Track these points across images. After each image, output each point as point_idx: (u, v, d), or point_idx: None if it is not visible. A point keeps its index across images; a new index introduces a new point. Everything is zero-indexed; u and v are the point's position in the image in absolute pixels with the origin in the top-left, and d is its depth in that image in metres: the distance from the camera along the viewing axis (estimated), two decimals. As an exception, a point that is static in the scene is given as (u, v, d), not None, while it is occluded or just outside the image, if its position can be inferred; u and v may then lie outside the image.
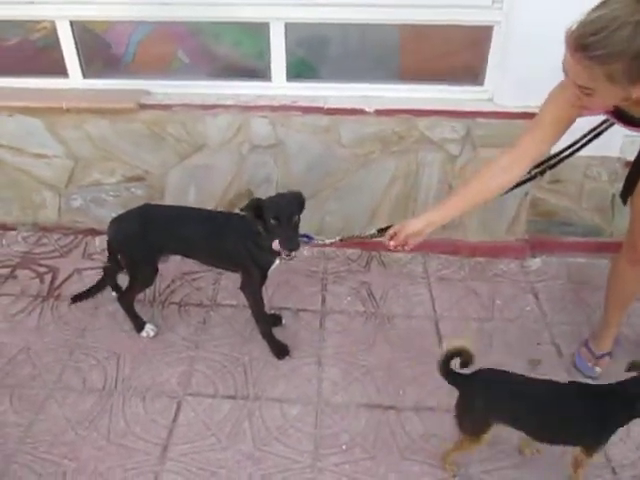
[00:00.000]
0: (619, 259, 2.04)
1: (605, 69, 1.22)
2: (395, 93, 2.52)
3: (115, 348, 2.23)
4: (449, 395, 2.04)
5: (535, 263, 2.74)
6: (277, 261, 2.02)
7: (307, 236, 1.96)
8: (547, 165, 1.88)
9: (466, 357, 1.58)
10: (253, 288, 2.10)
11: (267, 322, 2.21)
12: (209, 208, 2.26)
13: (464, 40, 2.51)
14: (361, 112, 2.44)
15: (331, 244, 2.02)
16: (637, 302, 2.45)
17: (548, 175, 2.05)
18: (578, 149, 1.87)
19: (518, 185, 1.73)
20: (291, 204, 1.87)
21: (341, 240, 2.00)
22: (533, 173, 1.83)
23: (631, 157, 2.49)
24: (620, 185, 2.56)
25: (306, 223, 2.68)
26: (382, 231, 1.85)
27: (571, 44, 1.24)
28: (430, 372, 2.13)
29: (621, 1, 1.19)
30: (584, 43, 1.21)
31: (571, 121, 1.55)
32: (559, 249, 2.74)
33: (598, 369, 2.16)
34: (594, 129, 1.81)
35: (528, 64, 2.32)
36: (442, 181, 2.60)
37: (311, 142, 2.53)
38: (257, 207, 1.84)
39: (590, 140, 1.85)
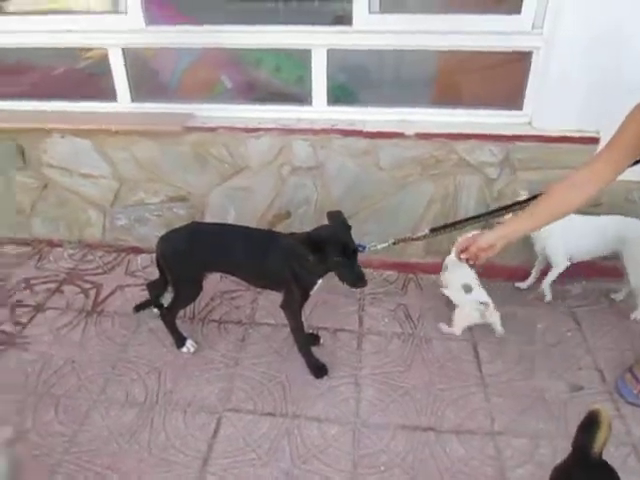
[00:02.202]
0: None
1: None
2: (433, 117, 2.56)
3: (156, 363, 2.27)
4: (487, 417, 2.04)
5: (575, 288, 2.70)
6: (320, 281, 2.05)
7: (360, 245, 1.97)
8: None
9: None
10: (294, 307, 2.12)
11: (306, 341, 2.22)
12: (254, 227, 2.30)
13: (504, 65, 2.54)
14: (400, 135, 2.48)
15: (383, 249, 2.05)
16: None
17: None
18: None
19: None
20: (349, 236, 1.90)
21: (394, 243, 2.04)
22: None
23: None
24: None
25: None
26: (434, 231, 1.95)
27: None
28: (468, 395, 2.13)
29: None
30: None
31: None
32: (599, 274, 2.70)
33: None
34: None
35: (566, 89, 2.35)
36: (480, 203, 2.60)
37: (350, 164, 2.58)
38: (317, 245, 1.84)
39: None
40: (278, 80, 2.78)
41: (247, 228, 2.19)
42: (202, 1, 2.86)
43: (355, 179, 2.61)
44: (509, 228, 1.68)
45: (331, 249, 1.84)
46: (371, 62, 2.68)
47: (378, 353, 2.32)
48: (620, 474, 1.63)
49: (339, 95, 2.66)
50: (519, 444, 1.95)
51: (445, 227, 2.06)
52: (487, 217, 2.12)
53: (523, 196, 2.32)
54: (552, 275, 2.50)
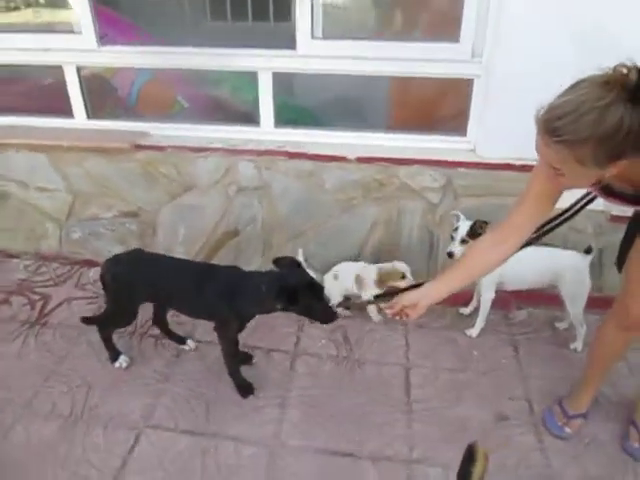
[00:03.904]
0: (607, 323, 1.97)
1: (574, 153, 1.22)
2: (378, 141, 2.59)
3: (88, 377, 2.29)
4: (407, 445, 2.03)
5: (521, 314, 2.69)
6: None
7: None
8: (543, 231, 1.84)
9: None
10: (230, 335, 2.14)
11: (235, 360, 2.23)
12: (199, 259, 2.35)
13: (449, 92, 2.58)
14: (343, 159, 2.51)
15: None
16: (622, 362, 2.39)
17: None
18: (577, 211, 1.84)
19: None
20: (312, 277, 1.96)
21: (346, 308, 2.09)
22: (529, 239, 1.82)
23: (616, 212, 2.49)
24: (605, 239, 2.56)
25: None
26: (378, 297, 2.01)
27: (540, 127, 1.25)
28: (392, 421, 2.12)
29: (588, 86, 1.20)
30: (552, 127, 1.21)
31: (559, 193, 1.54)
32: (546, 302, 2.69)
33: (568, 430, 2.08)
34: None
35: (507, 117, 2.35)
36: (423, 228, 2.62)
37: (295, 186, 2.61)
38: (290, 293, 1.86)
39: (590, 201, 1.81)
40: (237, 100, 2.84)
41: (188, 262, 2.24)
42: (175, 22, 2.94)
43: (300, 200, 2.64)
44: (433, 289, 1.65)
45: (303, 295, 1.87)
46: (322, 85, 2.73)
47: (309, 375, 2.33)
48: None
49: (292, 117, 2.70)
50: (433, 473, 1.93)
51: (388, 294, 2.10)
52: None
53: (455, 215, 2.37)
54: (484, 308, 2.49)
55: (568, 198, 1.74)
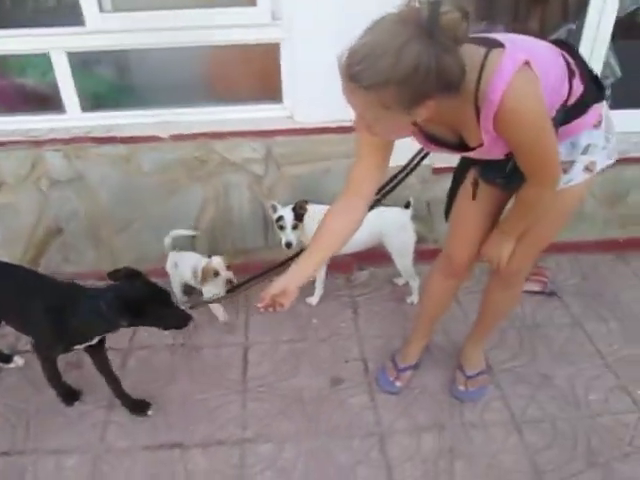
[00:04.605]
0: (433, 272, 2.01)
1: (378, 97, 1.15)
2: (194, 117, 2.47)
3: None
4: (240, 425, 1.99)
5: (362, 275, 2.71)
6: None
7: None
8: (383, 192, 1.85)
9: None
10: (51, 356, 1.94)
11: (55, 372, 2.03)
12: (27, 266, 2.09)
13: (261, 59, 2.48)
14: (157, 139, 2.37)
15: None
16: (458, 308, 2.47)
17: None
18: (412, 169, 1.87)
19: None
20: (154, 284, 1.78)
21: (191, 307, 1.94)
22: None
23: (438, 163, 2.53)
24: (432, 192, 2.60)
25: (126, 255, 2.64)
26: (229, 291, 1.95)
27: (342, 74, 1.16)
28: (226, 404, 2.08)
29: (384, 25, 1.13)
30: (352, 72, 1.13)
31: (389, 143, 1.49)
32: (388, 260, 2.71)
33: (399, 384, 2.12)
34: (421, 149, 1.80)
35: (319, 79, 2.27)
36: (253, 201, 2.55)
37: (112, 173, 2.45)
38: (137, 308, 1.69)
39: (424, 156, 1.84)
40: (46, 86, 2.60)
41: (18, 268, 1.97)
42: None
43: (121, 188, 2.48)
44: (296, 272, 1.53)
45: (150, 305, 1.71)
46: (133, 63, 2.56)
47: (141, 369, 2.23)
48: (361, 467, 1.77)
49: (100, 100, 2.51)
50: (264, 450, 1.92)
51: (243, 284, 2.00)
52: (271, 272, 1.95)
53: (271, 206, 2.33)
54: (319, 275, 2.50)
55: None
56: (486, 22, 3.22)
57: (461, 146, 1.42)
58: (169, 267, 2.48)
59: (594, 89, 1.51)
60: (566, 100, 1.43)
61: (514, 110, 1.23)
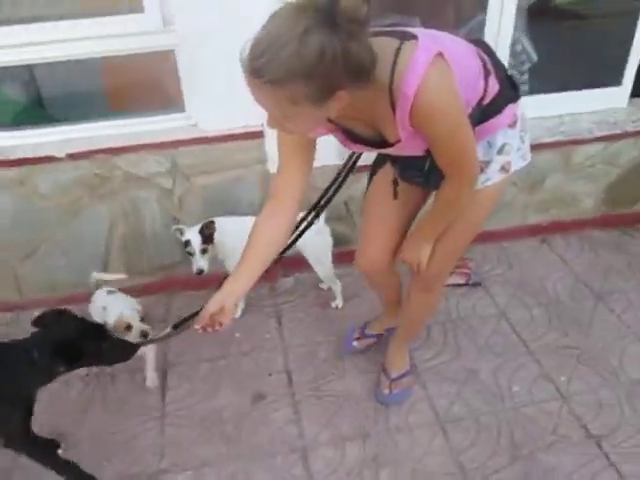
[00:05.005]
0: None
1: (284, 93, 1.07)
2: (93, 132, 2.33)
3: None
4: (157, 455, 1.89)
5: (287, 282, 2.64)
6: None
7: None
8: (321, 206, 1.79)
9: None
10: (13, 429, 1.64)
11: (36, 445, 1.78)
12: None
13: (160, 67, 2.38)
14: (52, 159, 2.24)
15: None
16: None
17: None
18: (347, 174, 1.80)
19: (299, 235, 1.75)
20: (83, 319, 1.65)
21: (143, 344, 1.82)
22: (310, 219, 1.77)
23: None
24: (350, 192, 2.55)
25: (34, 284, 2.49)
26: (177, 327, 1.71)
27: (245, 69, 1.07)
28: (143, 432, 1.97)
29: (283, 15, 1.05)
30: (255, 67, 1.05)
31: (311, 141, 1.42)
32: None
33: (356, 344, 2.22)
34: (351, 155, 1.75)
35: (219, 84, 2.22)
36: (165, 216, 2.44)
37: (5, 199, 2.29)
38: (73, 349, 1.55)
39: (355, 162, 1.77)
40: None
41: None
42: None
43: (18, 213, 2.33)
44: (232, 286, 1.45)
45: (86, 343, 1.56)
46: (24, 79, 2.42)
47: (52, 405, 2.09)
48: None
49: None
50: (183, 478, 1.83)
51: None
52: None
53: (177, 230, 2.21)
54: None
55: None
56: (402, 15, 3.21)
57: (380, 143, 1.37)
58: (95, 310, 2.13)
59: (509, 89, 1.51)
60: (482, 98, 1.41)
61: (429, 104, 1.19)
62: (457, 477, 1.80)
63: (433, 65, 1.17)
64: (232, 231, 2.21)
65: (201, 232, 2.16)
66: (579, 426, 1.94)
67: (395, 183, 1.72)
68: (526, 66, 2.90)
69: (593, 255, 2.74)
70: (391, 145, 1.34)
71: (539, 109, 2.74)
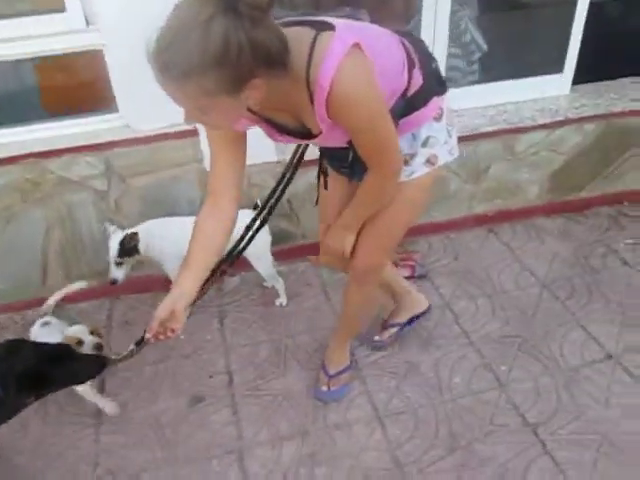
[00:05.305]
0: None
1: (196, 85, 1.04)
2: (22, 136, 2.28)
3: None
4: (91, 463, 1.86)
5: (232, 282, 2.61)
6: None
7: None
8: (270, 208, 1.74)
9: None
10: None
11: None
12: None
13: (91, 68, 2.32)
14: (-23, 165, 2.18)
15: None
16: (326, 305, 2.40)
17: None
18: (294, 171, 1.75)
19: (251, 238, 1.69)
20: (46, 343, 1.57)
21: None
22: (260, 221, 1.73)
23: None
24: (291, 187, 2.51)
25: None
26: (139, 343, 1.58)
27: (153, 65, 1.04)
28: (78, 441, 1.94)
29: (184, 6, 1.02)
30: (162, 62, 1.02)
31: (240, 135, 1.39)
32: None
33: (377, 337, 2.21)
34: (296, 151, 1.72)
35: (151, 84, 2.16)
36: (102, 219, 2.39)
37: None
38: (40, 376, 1.46)
39: (300, 160, 1.73)
40: None
41: None
42: None
43: (-52, 222, 2.28)
44: (181, 289, 1.40)
45: (54, 366, 1.47)
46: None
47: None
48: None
49: None
50: (116, 486, 1.80)
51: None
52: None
53: (111, 230, 2.18)
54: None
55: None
56: (350, 7, 3.19)
57: (305, 134, 1.35)
58: (38, 331, 2.04)
59: (435, 81, 1.50)
60: (406, 89, 1.40)
61: (344, 95, 1.18)
62: (393, 472, 1.79)
63: (348, 56, 1.15)
64: (169, 234, 2.18)
65: (121, 244, 2.12)
66: (516, 414, 1.95)
67: (324, 173, 1.74)
68: (476, 56, 2.90)
69: (539, 243, 2.75)
70: (315, 136, 1.33)
71: (481, 98, 2.75)
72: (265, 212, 1.75)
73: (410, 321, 2.21)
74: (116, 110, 2.33)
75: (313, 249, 2.69)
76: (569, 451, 1.82)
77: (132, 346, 1.59)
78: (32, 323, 2.33)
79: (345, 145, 1.40)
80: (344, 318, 2.02)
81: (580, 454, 1.81)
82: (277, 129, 1.39)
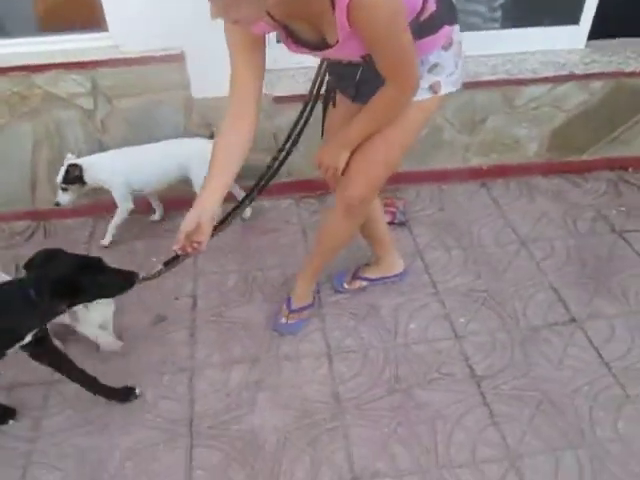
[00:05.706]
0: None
1: None
2: (9, 49, 2.30)
3: None
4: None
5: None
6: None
7: None
8: (292, 142, 1.81)
9: None
10: None
11: None
12: None
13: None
14: (-34, 75, 2.23)
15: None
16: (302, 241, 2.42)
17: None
18: (312, 109, 1.80)
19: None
20: (74, 254, 1.61)
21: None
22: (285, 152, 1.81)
23: (278, 92, 2.44)
24: (277, 123, 2.50)
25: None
26: (168, 263, 1.71)
27: None
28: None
29: None
30: None
31: (259, 37, 1.42)
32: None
33: (347, 286, 2.23)
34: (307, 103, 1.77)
35: (143, 5, 2.15)
36: (89, 137, 2.44)
37: None
38: (73, 284, 1.51)
39: (319, 90, 1.77)
40: None
41: None
42: None
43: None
44: (204, 202, 1.46)
45: (85, 277, 1.53)
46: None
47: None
48: (164, 401, 1.81)
49: None
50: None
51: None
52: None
53: (70, 159, 2.24)
54: (118, 218, 2.42)
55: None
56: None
57: (320, 45, 1.37)
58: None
59: (447, 10, 1.49)
60: (419, 13, 1.39)
61: (367, 1, 1.19)
62: (331, 405, 1.85)
63: None
64: (118, 165, 2.32)
65: (66, 172, 2.22)
66: (465, 366, 1.97)
67: (333, 92, 1.75)
68: (499, 1, 2.76)
69: (529, 201, 2.68)
70: (330, 47, 1.34)
71: (487, 46, 2.62)
72: (289, 144, 1.80)
73: (382, 278, 2.22)
74: (106, 29, 2.32)
75: (298, 186, 2.71)
76: (508, 405, 1.84)
77: (160, 266, 1.69)
78: (19, 233, 2.46)
79: (358, 59, 1.40)
80: (318, 250, 2.03)
81: (520, 409, 1.83)
82: (293, 39, 1.41)
